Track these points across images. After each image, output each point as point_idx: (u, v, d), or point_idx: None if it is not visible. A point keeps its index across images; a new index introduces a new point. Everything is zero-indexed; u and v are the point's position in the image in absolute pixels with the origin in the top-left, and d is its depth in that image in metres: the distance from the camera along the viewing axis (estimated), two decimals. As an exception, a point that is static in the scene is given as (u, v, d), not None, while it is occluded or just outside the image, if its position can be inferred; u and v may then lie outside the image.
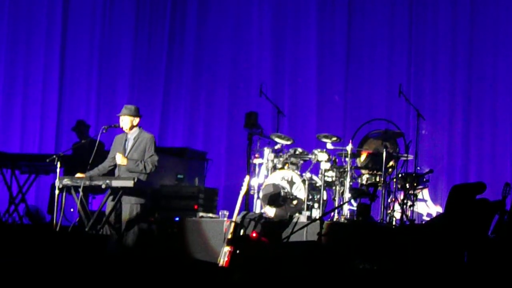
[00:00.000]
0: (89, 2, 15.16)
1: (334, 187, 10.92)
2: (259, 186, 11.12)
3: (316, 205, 10.78)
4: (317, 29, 14.14)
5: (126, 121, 9.93)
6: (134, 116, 9.92)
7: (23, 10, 14.98)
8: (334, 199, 10.92)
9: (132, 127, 9.93)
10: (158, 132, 14.55)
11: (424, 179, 10.86)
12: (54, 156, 9.95)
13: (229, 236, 9.81)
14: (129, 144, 9.91)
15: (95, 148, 9.85)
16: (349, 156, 10.75)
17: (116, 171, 9.91)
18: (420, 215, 11.06)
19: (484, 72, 13.17)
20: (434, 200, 11.62)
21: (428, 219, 11.14)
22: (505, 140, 12.90)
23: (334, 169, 10.89)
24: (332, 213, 10.51)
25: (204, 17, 14.88)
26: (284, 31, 14.40)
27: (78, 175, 9.78)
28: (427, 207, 11.32)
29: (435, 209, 11.46)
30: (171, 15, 15.10)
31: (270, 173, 11.10)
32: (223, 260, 9.51)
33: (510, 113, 12.93)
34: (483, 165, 12.97)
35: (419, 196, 11.05)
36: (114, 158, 9.90)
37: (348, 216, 10.67)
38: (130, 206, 9.66)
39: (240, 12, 14.72)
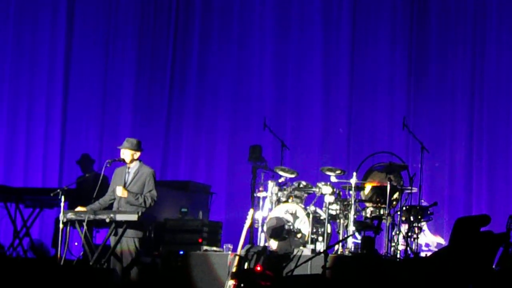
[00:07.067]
0: (91, 36, 15.22)
1: (338, 220, 10.92)
2: (263, 219, 11.12)
3: (320, 238, 10.78)
4: (320, 61, 14.16)
5: (126, 154, 9.94)
6: (135, 150, 9.94)
7: (26, 45, 15.04)
8: (338, 232, 10.92)
9: (132, 160, 9.94)
10: (161, 165, 14.52)
11: (429, 212, 10.86)
12: (58, 190, 9.96)
13: (234, 270, 9.81)
14: (129, 178, 9.90)
15: (100, 182, 9.86)
16: (353, 189, 10.77)
17: (115, 203, 9.88)
18: (420, 245, 11.03)
19: (485, 104, 13.22)
20: (434, 231, 11.60)
21: (426, 248, 11.15)
22: (508, 172, 12.91)
23: (338, 202, 10.90)
24: (337, 246, 10.50)
25: (206, 50, 14.90)
26: (287, 63, 14.42)
27: (79, 208, 9.79)
28: (424, 236, 11.31)
29: (434, 239, 11.44)
30: (173, 49, 15.13)
31: (274, 206, 11.11)
32: (227, 293, 9.52)
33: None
34: (485, 197, 12.96)
35: (418, 227, 11.04)
36: (114, 191, 9.90)
37: (353, 249, 10.65)
38: (126, 240, 9.64)
39: (242, 44, 14.74)
